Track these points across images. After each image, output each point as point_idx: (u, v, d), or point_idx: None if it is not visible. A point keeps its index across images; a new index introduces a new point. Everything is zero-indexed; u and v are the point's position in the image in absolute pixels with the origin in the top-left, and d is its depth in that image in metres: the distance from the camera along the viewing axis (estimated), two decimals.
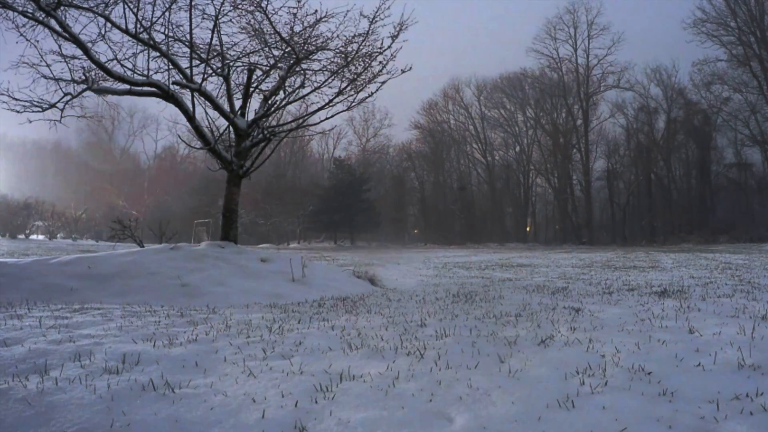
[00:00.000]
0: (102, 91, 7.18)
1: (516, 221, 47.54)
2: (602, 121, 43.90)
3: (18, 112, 6.84)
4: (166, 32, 7.28)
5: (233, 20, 7.82)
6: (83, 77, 6.88)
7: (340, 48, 8.11)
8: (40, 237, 31.62)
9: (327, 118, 8.96)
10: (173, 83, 7.34)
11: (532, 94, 46.18)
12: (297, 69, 8.40)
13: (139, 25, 6.72)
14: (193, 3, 6.86)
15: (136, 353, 2.19)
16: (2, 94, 6.68)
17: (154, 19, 6.90)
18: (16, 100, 6.77)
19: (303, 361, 2.17)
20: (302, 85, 8.75)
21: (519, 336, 2.77)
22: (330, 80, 8.46)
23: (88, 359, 2.07)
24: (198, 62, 7.74)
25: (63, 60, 6.98)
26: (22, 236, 29.23)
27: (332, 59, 8.32)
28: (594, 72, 42.99)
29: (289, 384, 1.90)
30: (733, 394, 1.78)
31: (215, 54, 7.87)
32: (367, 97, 8.61)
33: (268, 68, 8.56)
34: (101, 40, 7.03)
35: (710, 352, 2.28)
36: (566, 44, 44.13)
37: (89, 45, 6.68)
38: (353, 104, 8.72)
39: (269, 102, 8.62)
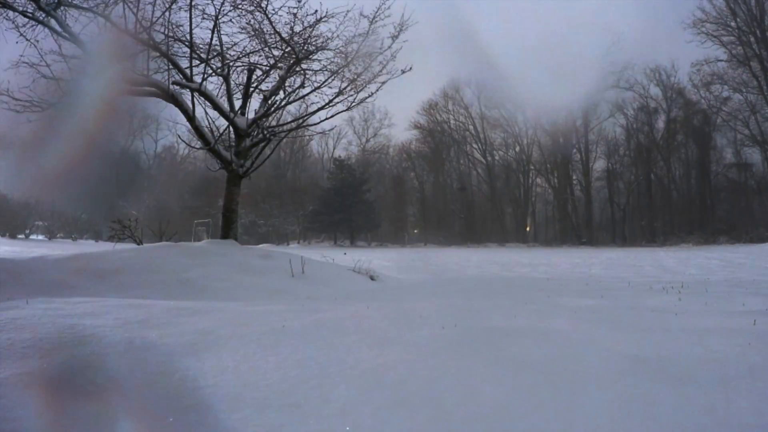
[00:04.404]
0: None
1: (516, 221, 47.53)
2: (602, 121, 43.95)
3: (18, 112, 6.87)
4: (166, 32, 7.30)
5: (233, 20, 7.85)
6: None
7: (340, 48, 8.16)
8: (40, 237, 31.64)
9: (327, 118, 8.99)
10: (173, 83, 7.36)
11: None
12: (297, 69, 8.43)
13: (138, 26, 6.74)
14: (193, 3, 6.88)
15: (137, 341, 2.22)
16: (2, 94, 6.71)
17: (154, 19, 6.92)
18: (16, 100, 6.79)
19: (302, 350, 2.19)
20: (302, 85, 8.78)
21: (519, 329, 2.78)
22: (330, 80, 8.50)
23: (88, 347, 2.10)
24: (198, 62, 7.77)
25: (63, 60, 7.01)
26: (21, 236, 29.26)
27: (332, 59, 8.36)
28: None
29: (290, 370, 1.93)
30: (736, 380, 1.81)
31: (215, 54, 7.89)
32: (367, 98, 8.64)
33: (268, 68, 8.59)
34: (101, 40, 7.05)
35: (712, 343, 2.30)
36: None
37: (89, 45, 6.71)
38: (353, 104, 8.77)
39: (269, 102, 8.65)
